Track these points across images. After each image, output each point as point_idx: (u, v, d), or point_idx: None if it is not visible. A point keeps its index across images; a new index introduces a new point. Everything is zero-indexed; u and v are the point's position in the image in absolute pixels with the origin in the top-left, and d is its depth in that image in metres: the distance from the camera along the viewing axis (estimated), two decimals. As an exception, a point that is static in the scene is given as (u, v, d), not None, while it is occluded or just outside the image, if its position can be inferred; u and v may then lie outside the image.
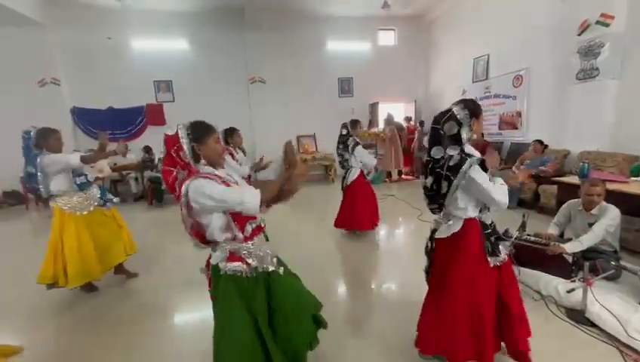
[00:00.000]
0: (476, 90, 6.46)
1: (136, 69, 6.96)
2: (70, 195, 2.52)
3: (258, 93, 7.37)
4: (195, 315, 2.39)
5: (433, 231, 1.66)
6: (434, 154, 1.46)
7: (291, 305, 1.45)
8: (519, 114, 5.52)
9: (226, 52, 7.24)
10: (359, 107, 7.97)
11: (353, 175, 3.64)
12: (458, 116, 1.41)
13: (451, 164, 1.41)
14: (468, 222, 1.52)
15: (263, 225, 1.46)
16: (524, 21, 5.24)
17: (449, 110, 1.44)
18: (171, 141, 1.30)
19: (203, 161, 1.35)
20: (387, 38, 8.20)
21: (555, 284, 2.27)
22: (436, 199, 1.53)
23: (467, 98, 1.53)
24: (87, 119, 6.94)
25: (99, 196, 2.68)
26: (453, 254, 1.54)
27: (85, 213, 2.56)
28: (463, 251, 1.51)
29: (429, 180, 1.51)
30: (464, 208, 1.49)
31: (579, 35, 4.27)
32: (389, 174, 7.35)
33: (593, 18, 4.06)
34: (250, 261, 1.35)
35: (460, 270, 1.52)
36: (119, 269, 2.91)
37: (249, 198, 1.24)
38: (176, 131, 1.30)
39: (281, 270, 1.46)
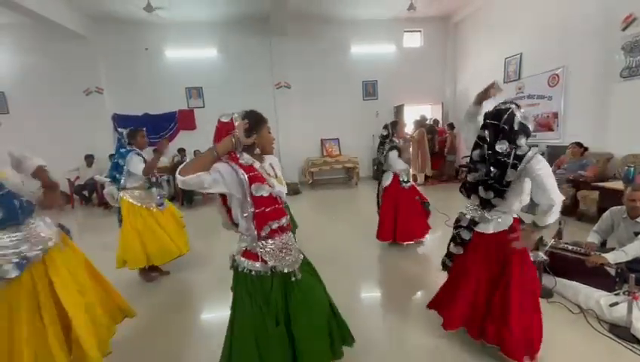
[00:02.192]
0: (508, 91, 6.18)
1: (170, 76, 7.36)
2: (139, 190, 2.82)
3: (283, 97, 7.51)
4: (222, 314, 2.47)
5: (473, 223, 1.71)
6: (500, 148, 1.53)
7: (307, 317, 1.35)
8: (555, 115, 5.22)
9: (252, 58, 7.46)
10: (384, 110, 7.90)
11: (386, 179, 3.44)
12: (518, 113, 1.53)
13: (519, 153, 1.49)
14: (516, 221, 1.66)
15: (285, 225, 1.37)
16: (561, 17, 4.96)
17: (507, 109, 1.54)
18: (224, 128, 1.29)
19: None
20: (413, 40, 8.07)
21: (596, 297, 2.12)
22: (495, 188, 1.57)
23: (512, 100, 1.64)
24: (126, 125, 7.31)
25: (158, 197, 2.98)
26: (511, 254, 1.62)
27: (146, 206, 2.85)
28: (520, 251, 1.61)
29: (493, 169, 1.55)
30: (518, 203, 1.62)
31: (623, 29, 3.99)
32: (415, 178, 7.21)
33: (639, 11, 3.80)
34: (266, 259, 1.29)
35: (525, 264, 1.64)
36: (153, 267, 3.05)
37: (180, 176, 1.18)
38: (231, 119, 1.29)
39: (300, 275, 1.37)
